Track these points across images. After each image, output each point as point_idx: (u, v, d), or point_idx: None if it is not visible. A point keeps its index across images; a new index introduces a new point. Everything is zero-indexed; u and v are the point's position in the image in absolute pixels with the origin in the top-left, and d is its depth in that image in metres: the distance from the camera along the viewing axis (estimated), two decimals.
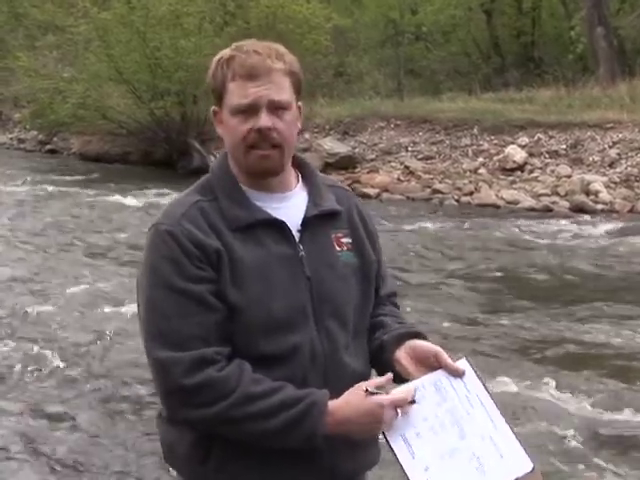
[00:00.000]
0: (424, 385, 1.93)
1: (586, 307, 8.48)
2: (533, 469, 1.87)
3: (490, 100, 20.69)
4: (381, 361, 2.07)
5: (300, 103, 2.04)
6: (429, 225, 13.54)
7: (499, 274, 10.12)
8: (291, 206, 2.03)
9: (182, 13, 21.49)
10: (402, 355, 2.02)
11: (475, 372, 1.97)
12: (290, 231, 2.00)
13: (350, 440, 1.96)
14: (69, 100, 22.05)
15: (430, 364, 1.98)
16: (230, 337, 1.92)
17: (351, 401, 1.87)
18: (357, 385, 1.90)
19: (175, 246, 1.90)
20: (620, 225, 13.30)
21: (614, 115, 17.43)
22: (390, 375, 1.93)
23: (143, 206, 15.10)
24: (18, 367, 6.65)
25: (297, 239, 2.01)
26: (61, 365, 6.71)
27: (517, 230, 13.05)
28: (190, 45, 20.91)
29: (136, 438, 5.40)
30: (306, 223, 2.03)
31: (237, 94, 1.94)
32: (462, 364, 1.97)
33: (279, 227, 1.99)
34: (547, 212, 14.76)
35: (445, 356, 1.97)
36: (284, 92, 1.96)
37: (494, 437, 1.89)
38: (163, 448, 2.09)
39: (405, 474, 1.85)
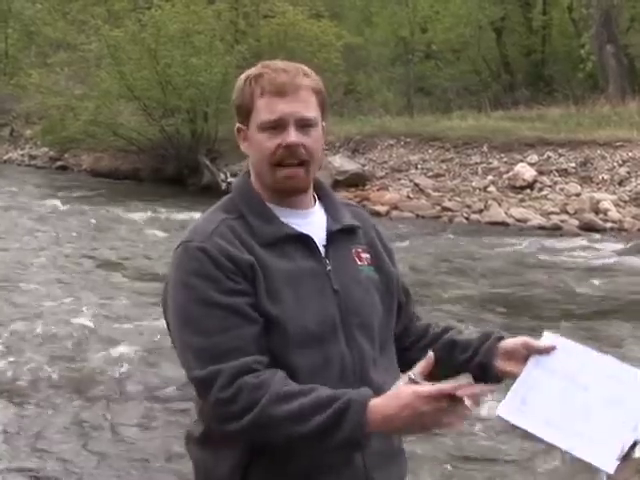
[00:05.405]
0: (530, 373, 1.98)
1: (595, 326, 8.46)
2: None
3: (500, 118, 20.74)
4: (486, 379, 2.11)
5: (324, 123, 2.05)
6: (438, 243, 13.53)
7: (508, 292, 10.11)
8: (313, 222, 2.06)
9: (193, 31, 21.64)
10: (501, 364, 2.10)
11: (564, 337, 2.03)
12: (317, 246, 2.02)
13: (385, 454, 1.97)
14: (80, 117, 22.21)
15: (524, 355, 2.04)
16: (266, 350, 1.90)
17: (393, 394, 1.78)
18: (404, 375, 1.82)
19: (208, 262, 1.89)
20: (630, 243, 13.28)
21: (624, 133, 17.43)
22: (431, 354, 1.86)
23: (153, 222, 15.15)
24: (27, 381, 6.68)
25: (323, 254, 2.02)
26: (74, 378, 6.73)
27: (526, 248, 13.03)
28: (201, 63, 21.03)
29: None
30: (330, 238, 2.05)
31: (265, 110, 1.95)
32: (548, 338, 2.04)
33: (306, 242, 2.01)
34: (556, 230, 14.75)
35: (533, 341, 2.04)
36: (311, 109, 1.98)
37: (617, 379, 1.93)
38: (198, 473, 2.04)
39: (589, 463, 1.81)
